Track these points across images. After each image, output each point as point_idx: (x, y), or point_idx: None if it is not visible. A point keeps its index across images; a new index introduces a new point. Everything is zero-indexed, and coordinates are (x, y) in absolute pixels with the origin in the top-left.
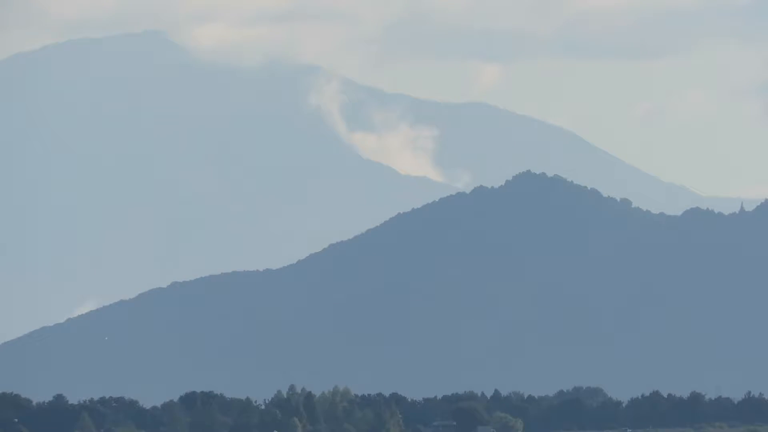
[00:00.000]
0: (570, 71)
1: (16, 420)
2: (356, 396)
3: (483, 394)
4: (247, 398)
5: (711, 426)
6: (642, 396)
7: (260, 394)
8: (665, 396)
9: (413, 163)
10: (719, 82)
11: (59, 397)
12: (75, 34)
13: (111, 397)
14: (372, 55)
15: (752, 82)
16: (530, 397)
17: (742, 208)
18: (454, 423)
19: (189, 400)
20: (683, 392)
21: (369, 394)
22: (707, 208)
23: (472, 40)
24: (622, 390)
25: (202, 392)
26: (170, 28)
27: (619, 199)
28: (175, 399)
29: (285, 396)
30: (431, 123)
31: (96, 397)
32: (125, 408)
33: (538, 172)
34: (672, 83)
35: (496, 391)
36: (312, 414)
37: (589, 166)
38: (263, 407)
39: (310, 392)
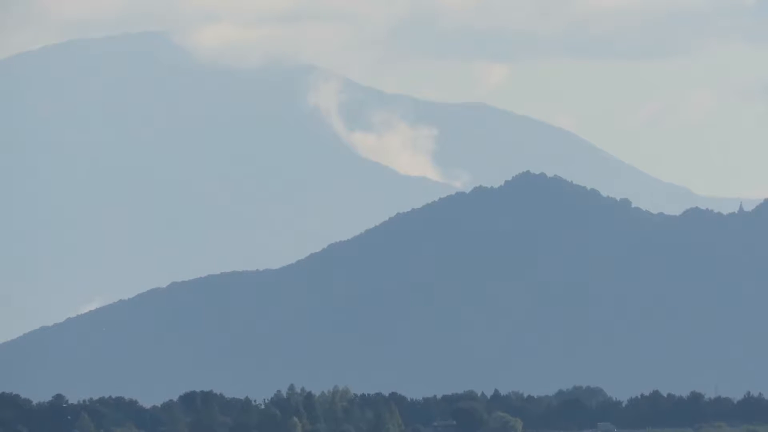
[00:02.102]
0: (571, 71)
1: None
2: (356, 396)
3: (483, 393)
4: (247, 398)
5: (711, 426)
6: (642, 396)
7: (260, 394)
8: (665, 396)
9: (413, 163)
10: (719, 83)
11: (59, 397)
12: (74, 35)
13: (110, 397)
14: (373, 55)
15: (754, 83)
16: (530, 397)
17: (741, 208)
18: (454, 423)
19: (189, 400)
20: (683, 392)
21: (368, 394)
22: (707, 209)
23: (474, 41)
24: (622, 390)
25: (201, 392)
26: (170, 29)
27: (618, 199)
28: (175, 399)
29: (285, 396)
30: (431, 123)
31: (95, 397)
32: (125, 408)
33: (537, 172)
34: (673, 84)
35: (496, 390)
36: (312, 414)
37: (588, 166)
38: (263, 407)
39: (309, 392)
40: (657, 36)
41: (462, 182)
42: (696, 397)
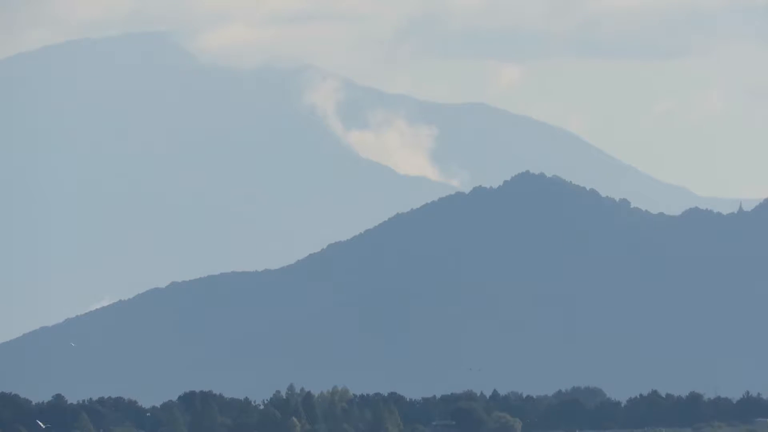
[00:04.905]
0: (574, 72)
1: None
2: (355, 396)
3: (482, 394)
4: (246, 398)
5: (710, 426)
6: (640, 396)
7: (259, 394)
8: (664, 396)
9: (412, 163)
10: (725, 84)
11: (59, 397)
12: (74, 35)
13: (110, 397)
14: (375, 56)
15: (761, 83)
16: (529, 397)
17: (740, 208)
18: (454, 423)
19: (188, 400)
20: (682, 392)
21: (367, 394)
22: (706, 209)
23: (476, 42)
24: (621, 390)
25: (201, 392)
26: (171, 30)
27: (618, 199)
28: (175, 399)
29: (284, 396)
30: (430, 123)
31: (95, 397)
32: (124, 408)
33: (536, 173)
34: (677, 85)
35: (495, 391)
36: (311, 414)
37: (588, 167)
38: (262, 407)
39: (308, 392)
40: (659, 37)
41: (461, 182)
42: (695, 397)
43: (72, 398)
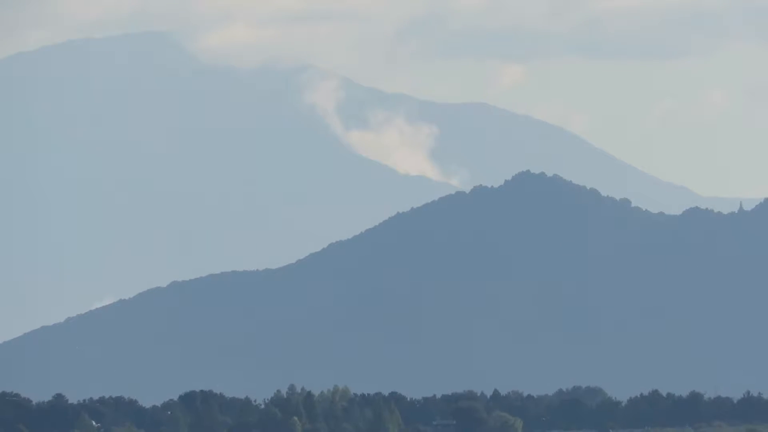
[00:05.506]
0: (575, 72)
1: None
2: (355, 395)
3: (483, 393)
4: (247, 398)
5: (710, 425)
6: (641, 395)
7: (260, 393)
8: (664, 395)
9: (412, 162)
10: (719, 84)
11: (59, 397)
12: (74, 35)
13: (110, 396)
14: (374, 56)
15: (755, 84)
16: (529, 397)
17: (741, 208)
18: (454, 422)
19: (188, 399)
20: (682, 392)
21: (368, 394)
22: (706, 208)
23: (478, 41)
24: (622, 390)
25: (201, 392)
26: (172, 29)
27: (618, 199)
28: (175, 399)
29: (284, 395)
30: (431, 122)
31: (95, 397)
32: (125, 408)
33: (537, 172)
34: (677, 84)
35: (495, 390)
36: (311, 413)
37: (589, 166)
38: (263, 407)
39: (309, 392)
40: (664, 36)
41: (462, 182)
42: (696, 397)
43: (72, 398)
